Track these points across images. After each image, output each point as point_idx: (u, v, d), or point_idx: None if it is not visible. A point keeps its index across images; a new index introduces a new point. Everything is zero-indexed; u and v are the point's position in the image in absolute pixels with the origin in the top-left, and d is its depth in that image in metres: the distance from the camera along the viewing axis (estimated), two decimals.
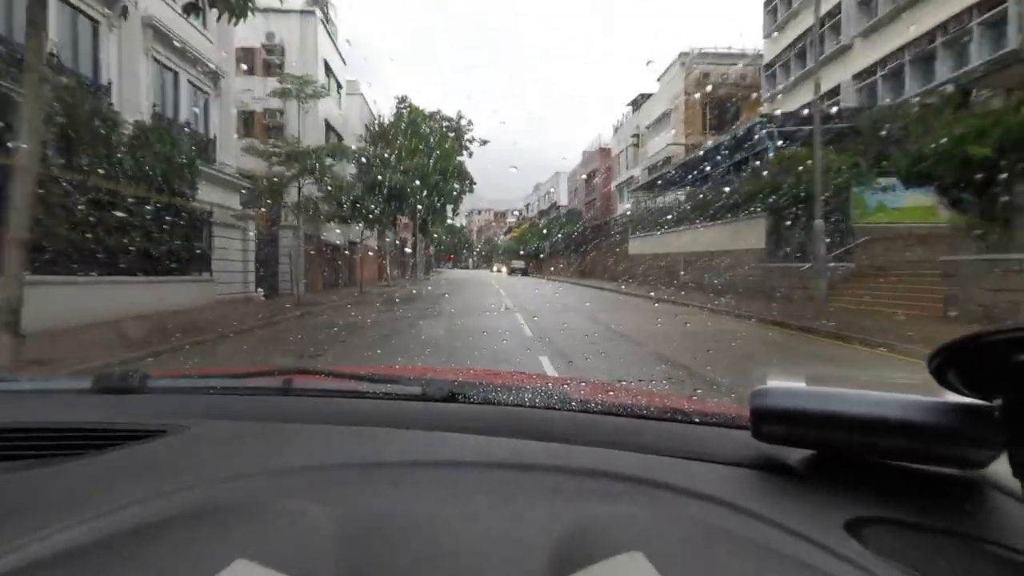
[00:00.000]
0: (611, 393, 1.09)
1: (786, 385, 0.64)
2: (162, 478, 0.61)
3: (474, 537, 0.50)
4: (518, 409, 0.85)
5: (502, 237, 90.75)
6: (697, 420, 0.82)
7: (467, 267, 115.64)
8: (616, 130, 39.95)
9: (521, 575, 0.44)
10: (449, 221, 45.38)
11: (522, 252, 55.09)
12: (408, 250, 38.23)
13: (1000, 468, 0.55)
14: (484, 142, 42.87)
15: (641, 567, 0.42)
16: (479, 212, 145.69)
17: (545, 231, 49.13)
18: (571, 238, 40.64)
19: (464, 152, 41.11)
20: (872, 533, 0.53)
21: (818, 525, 0.53)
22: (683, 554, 0.48)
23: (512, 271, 47.54)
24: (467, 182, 43.30)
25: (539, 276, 43.44)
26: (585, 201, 47.44)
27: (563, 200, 61.01)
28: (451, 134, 39.96)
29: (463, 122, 42.10)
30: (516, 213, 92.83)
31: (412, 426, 0.79)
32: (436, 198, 37.55)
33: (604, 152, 44.76)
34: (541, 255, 49.18)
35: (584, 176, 48.13)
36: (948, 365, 0.54)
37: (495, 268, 68.09)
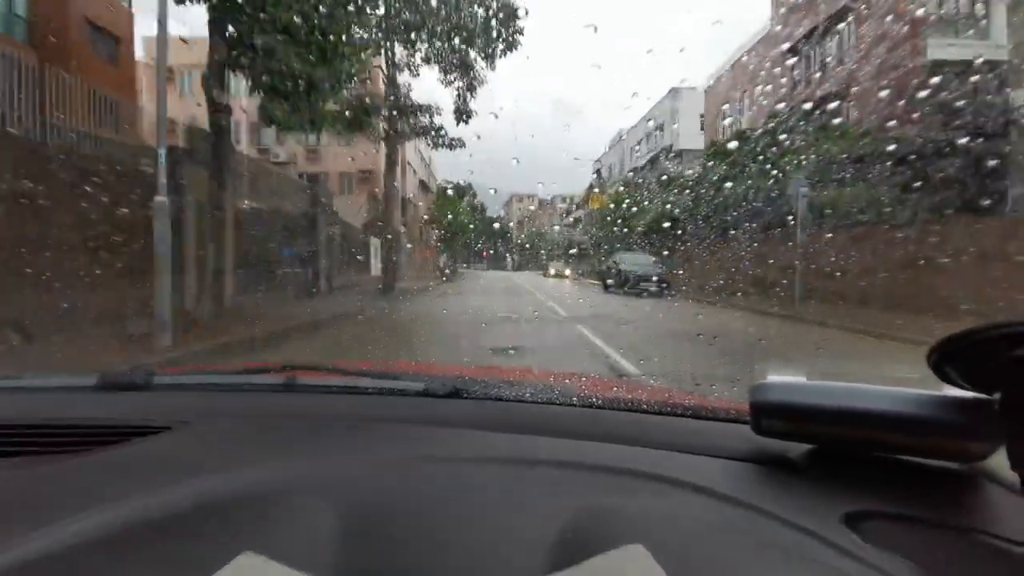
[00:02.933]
0: (613, 388, 1.08)
1: (786, 380, 0.64)
2: (166, 474, 0.62)
3: (476, 532, 0.51)
4: (520, 404, 0.85)
5: (558, 226, 62.26)
6: (698, 415, 0.82)
7: (504, 267, 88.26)
8: None
9: (523, 569, 0.45)
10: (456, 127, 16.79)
11: (612, 244, 26.41)
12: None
13: (999, 462, 0.56)
14: None
15: (642, 559, 0.43)
16: (519, 199, 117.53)
17: (681, 188, 20.15)
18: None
19: None
20: (871, 526, 0.54)
21: (818, 518, 0.53)
22: (684, 547, 0.48)
23: (633, 280, 15.52)
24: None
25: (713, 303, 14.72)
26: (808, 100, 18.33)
27: (686, 140, 32.30)
28: None
29: None
30: (551, 198, 64.32)
31: (414, 422, 0.80)
32: None
33: None
34: (668, 241, 19.98)
35: (798, 39, 19.04)
36: (947, 359, 0.55)
37: (551, 271, 39.41)
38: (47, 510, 0.54)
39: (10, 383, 1.01)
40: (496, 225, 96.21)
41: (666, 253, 18.57)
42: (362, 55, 9.67)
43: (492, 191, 54.36)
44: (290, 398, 0.94)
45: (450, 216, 35.43)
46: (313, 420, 0.82)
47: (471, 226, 43.50)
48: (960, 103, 11.33)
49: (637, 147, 39.00)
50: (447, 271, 39.11)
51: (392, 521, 0.51)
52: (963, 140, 10.03)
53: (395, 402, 0.90)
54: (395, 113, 15.32)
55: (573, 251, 51.03)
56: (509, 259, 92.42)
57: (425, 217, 35.87)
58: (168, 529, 0.50)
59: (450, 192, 40.36)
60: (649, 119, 36.59)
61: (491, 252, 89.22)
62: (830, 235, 11.93)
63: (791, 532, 0.51)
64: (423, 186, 38.41)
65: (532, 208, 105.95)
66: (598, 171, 50.05)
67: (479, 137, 17.14)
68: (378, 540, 0.48)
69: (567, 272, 38.35)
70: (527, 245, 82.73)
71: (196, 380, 1.05)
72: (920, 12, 14.46)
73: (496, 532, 0.51)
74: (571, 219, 48.28)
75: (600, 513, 0.52)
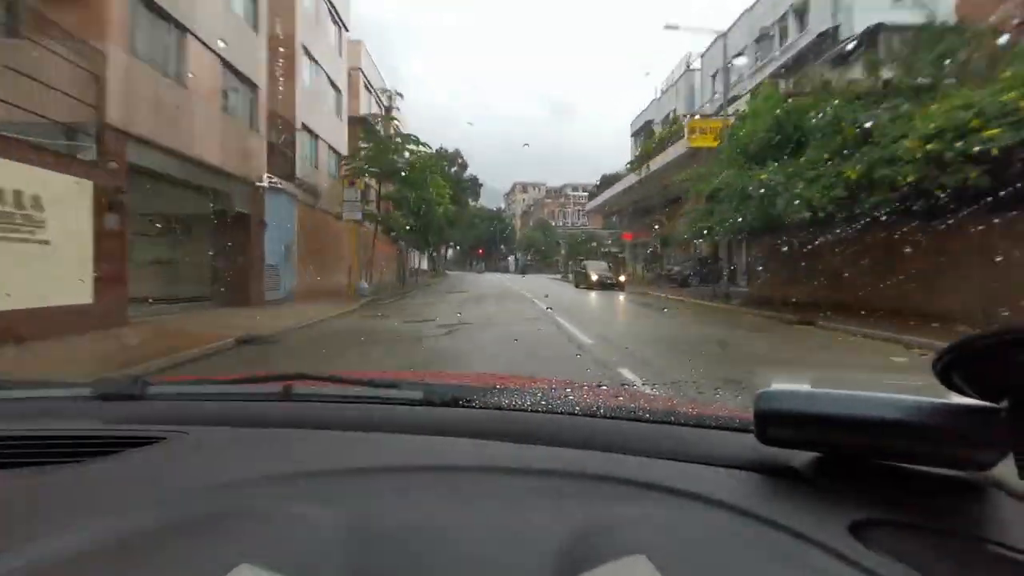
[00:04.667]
0: (615, 398, 1.03)
1: (791, 388, 0.63)
2: (163, 484, 0.62)
3: (477, 541, 0.51)
4: (521, 413, 0.85)
5: (579, 220, 45.76)
6: (701, 424, 0.81)
7: (506, 268, 72.06)
8: None
9: None
10: None
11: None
12: None
13: (1006, 470, 0.55)
14: None
15: (645, 570, 0.43)
16: (523, 188, 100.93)
17: None
18: None
19: None
20: (877, 535, 0.53)
21: (823, 528, 0.53)
22: (687, 557, 0.48)
23: None
24: None
25: None
26: None
27: (870, 14, 16.29)
28: None
29: None
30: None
31: (414, 431, 0.79)
32: None
33: None
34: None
35: None
36: (953, 367, 0.54)
37: (594, 276, 22.86)
38: (42, 521, 0.54)
39: (4, 394, 0.99)
40: (500, 209, 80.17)
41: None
42: None
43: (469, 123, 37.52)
44: (288, 407, 0.93)
45: (394, 159, 18.89)
46: (311, 430, 0.81)
47: (450, 201, 27.02)
48: None
49: (738, 61, 22.92)
50: (441, 272, 22.78)
51: (392, 531, 0.51)
52: None
53: (394, 411, 0.89)
54: None
55: (606, 249, 34.90)
56: (512, 259, 76.01)
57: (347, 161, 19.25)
58: (164, 540, 0.49)
59: (396, 115, 23.66)
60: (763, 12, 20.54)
61: (493, 250, 73.26)
62: None
63: (796, 542, 0.51)
64: (363, 125, 21.99)
65: (547, 200, 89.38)
66: (644, 125, 34.01)
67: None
68: (378, 550, 0.48)
69: (621, 278, 22.30)
70: (540, 245, 66.24)
71: (191, 390, 1.03)
72: None
73: (497, 542, 0.51)
74: (606, 200, 32.28)
75: (602, 524, 0.52)
